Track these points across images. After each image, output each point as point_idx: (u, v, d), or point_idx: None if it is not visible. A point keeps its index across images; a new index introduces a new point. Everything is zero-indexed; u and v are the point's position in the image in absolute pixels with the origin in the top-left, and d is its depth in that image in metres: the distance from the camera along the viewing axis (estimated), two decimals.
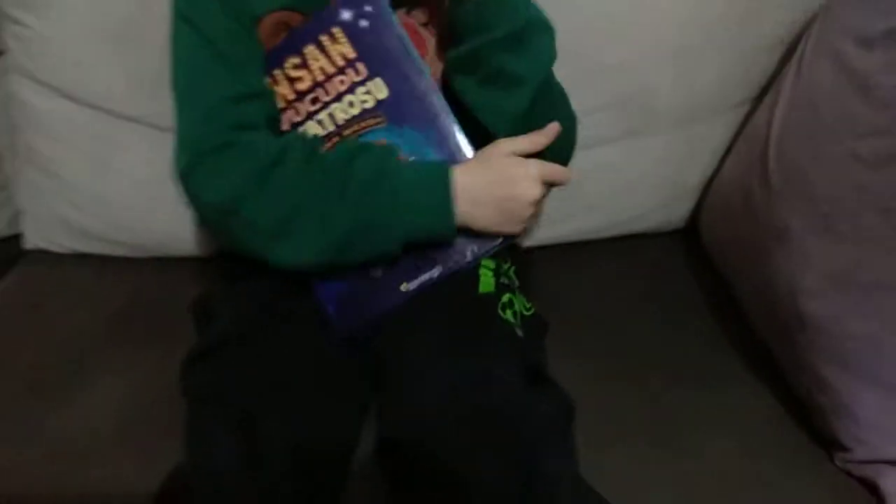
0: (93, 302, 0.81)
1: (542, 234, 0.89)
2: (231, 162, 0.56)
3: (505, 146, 0.58)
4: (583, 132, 0.78)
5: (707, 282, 0.79)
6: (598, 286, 0.81)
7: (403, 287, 0.61)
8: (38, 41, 0.85)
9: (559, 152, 0.63)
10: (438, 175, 0.56)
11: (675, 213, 0.90)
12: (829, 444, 0.56)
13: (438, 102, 0.60)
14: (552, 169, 0.59)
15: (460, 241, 0.60)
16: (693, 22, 0.82)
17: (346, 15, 0.61)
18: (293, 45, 0.63)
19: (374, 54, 0.61)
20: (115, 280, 0.85)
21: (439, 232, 0.57)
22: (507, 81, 0.59)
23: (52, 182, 0.90)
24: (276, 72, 0.63)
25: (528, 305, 0.64)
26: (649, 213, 0.89)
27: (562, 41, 0.75)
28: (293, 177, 0.56)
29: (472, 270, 0.62)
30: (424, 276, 0.60)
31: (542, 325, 0.67)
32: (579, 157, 0.79)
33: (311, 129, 0.62)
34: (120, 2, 0.80)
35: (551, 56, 0.62)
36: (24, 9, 0.84)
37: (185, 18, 0.61)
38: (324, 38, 0.62)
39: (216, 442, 0.51)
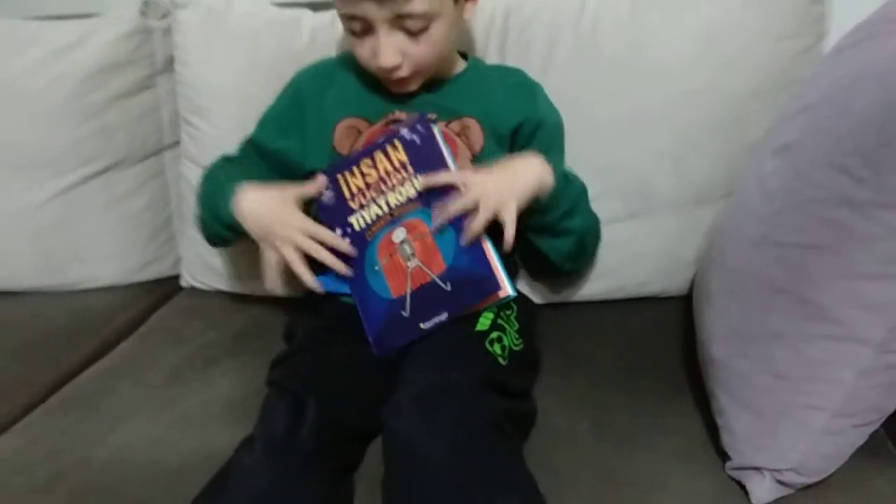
0: (222, 325, 1.03)
1: (555, 296, 1.02)
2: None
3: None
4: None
5: (690, 338, 0.89)
6: (597, 337, 0.93)
7: (422, 325, 0.80)
8: (203, 137, 1.11)
9: (586, 247, 0.89)
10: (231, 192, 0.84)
11: (674, 281, 0.99)
12: (722, 454, 0.69)
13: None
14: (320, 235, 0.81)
15: (462, 295, 0.78)
16: (687, 126, 0.94)
17: (405, 133, 0.81)
18: (368, 151, 0.83)
19: (420, 160, 0.81)
20: (240, 311, 1.07)
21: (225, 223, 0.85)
22: (563, 233, 0.84)
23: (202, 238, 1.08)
24: (354, 168, 0.84)
25: (517, 342, 0.80)
26: (651, 282, 1.00)
27: (576, 140, 0.95)
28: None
29: (476, 314, 0.80)
30: (436, 319, 0.79)
31: (531, 360, 0.83)
32: None
33: (374, 210, 0.83)
34: (254, 113, 0.99)
35: (591, 214, 0.89)
36: (195, 114, 1.11)
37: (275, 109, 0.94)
38: (389, 147, 0.82)
39: (275, 415, 0.71)
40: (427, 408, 0.66)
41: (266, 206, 0.83)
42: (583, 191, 0.89)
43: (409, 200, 0.81)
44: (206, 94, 1.10)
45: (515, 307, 0.85)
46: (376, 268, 0.82)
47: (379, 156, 0.82)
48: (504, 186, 0.77)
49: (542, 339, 0.91)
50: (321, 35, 1.06)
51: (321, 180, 0.85)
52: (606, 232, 0.97)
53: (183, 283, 1.20)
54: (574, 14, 0.99)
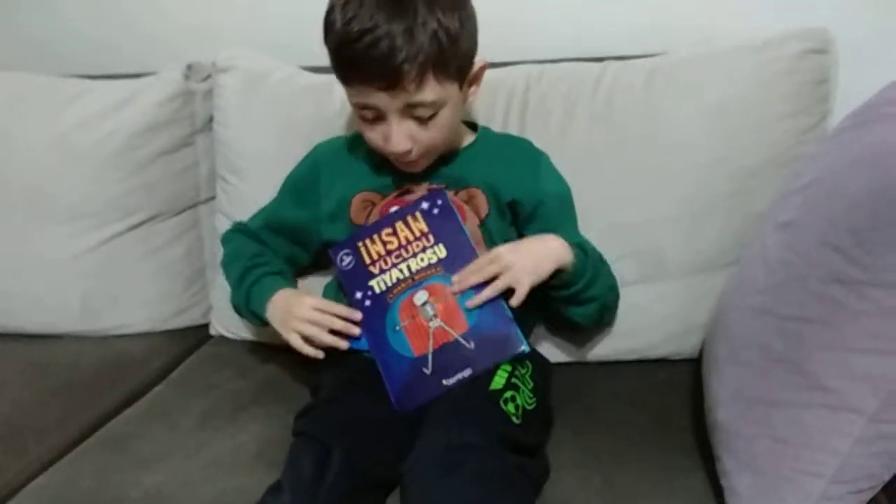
0: (250, 374, 1.07)
1: (569, 355, 1.04)
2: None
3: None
4: None
5: (700, 400, 0.90)
6: (610, 396, 0.96)
7: (445, 381, 0.83)
8: (237, 193, 1.18)
9: (608, 307, 0.95)
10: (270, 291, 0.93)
11: (685, 344, 1.00)
12: None
13: (476, 255, 0.86)
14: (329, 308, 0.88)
15: (485, 352, 0.83)
16: (697, 196, 0.99)
17: (425, 205, 0.89)
18: (389, 220, 0.90)
19: (439, 230, 0.88)
20: (267, 360, 1.10)
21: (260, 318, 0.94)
22: (586, 301, 0.90)
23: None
24: (374, 235, 0.90)
25: (530, 400, 0.83)
26: (663, 344, 1.01)
27: (590, 203, 1.00)
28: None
29: (492, 371, 0.83)
30: (459, 375, 0.83)
31: (544, 417, 0.87)
32: None
33: (395, 274, 0.88)
34: (284, 174, 1.06)
35: (610, 275, 0.95)
36: (231, 171, 1.18)
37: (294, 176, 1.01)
38: (409, 218, 0.89)
39: (301, 462, 0.75)
40: (444, 466, 0.70)
41: (282, 303, 0.92)
42: (599, 257, 0.94)
43: (430, 266, 0.88)
44: (241, 154, 1.18)
45: (531, 366, 0.89)
46: (397, 328, 0.87)
47: (400, 225, 0.89)
48: (524, 263, 0.83)
49: (555, 396, 0.94)
50: None
51: (357, 315, 0.89)
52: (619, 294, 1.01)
53: (212, 331, 1.24)
54: (591, 87, 1.06)
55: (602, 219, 1.02)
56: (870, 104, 0.75)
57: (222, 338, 1.23)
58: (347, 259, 0.91)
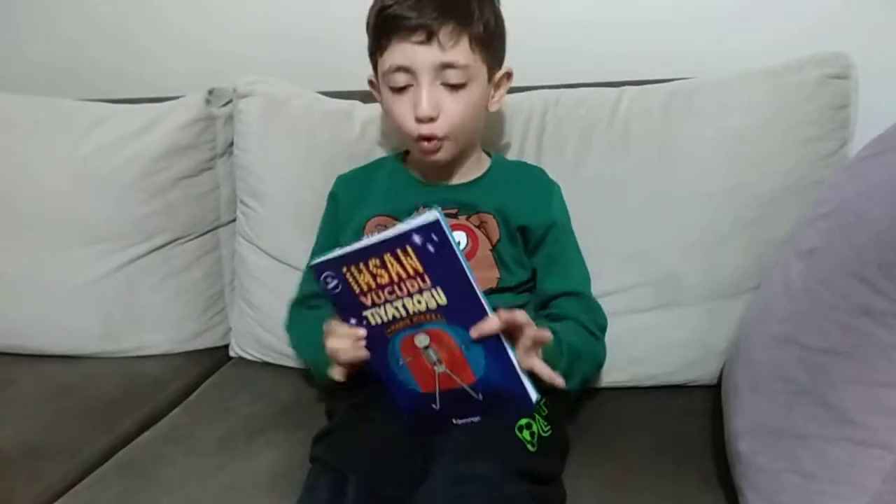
0: (268, 397, 1.07)
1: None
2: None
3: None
4: (624, 302, 1.00)
5: (719, 428, 0.89)
6: (627, 424, 0.95)
7: (454, 420, 0.82)
8: (257, 217, 1.19)
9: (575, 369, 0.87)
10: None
11: (704, 371, 0.99)
12: None
13: (483, 306, 0.74)
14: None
15: (495, 405, 0.79)
16: (715, 222, 0.98)
17: (417, 239, 0.72)
18: (374, 249, 0.74)
19: (437, 271, 0.73)
20: (285, 383, 1.11)
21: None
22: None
23: (252, 311, 1.19)
24: (361, 263, 0.75)
25: (546, 428, 0.82)
26: (681, 370, 1.00)
27: (607, 230, 1.01)
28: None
29: None
30: (469, 419, 0.81)
31: (561, 445, 0.86)
32: (623, 321, 1.00)
33: (390, 311, 0.77)
34: (306, 198, 1.10)
35: (585, 372, 0.90)
36: (251, 196, 1.19)
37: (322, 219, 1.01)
38: (399, 252, 0.73)
39: (318, 489, 0.76)
40: (458, 496, 0.70)
41: None
42: (581, 354, 0.87)
43: (430, 311, 0.76)
44: (261, 179, 1.19)
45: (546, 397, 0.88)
46: (401, 363, 0.81)
47: (389, 258, 0.74)
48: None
49: (571, 424, 0.93)
50: (371, 127, 1.14)
51: (361, 332, 0.81)
52: (636, 321, 1.01)
53: (231, 353, 1.25)
54: (608, 112, 1.06)
55: (619, 246, 1.01)
56: (891, 132, 0.75)
57: (241, 359, 1.24)
58: (333, 282, 0.78)
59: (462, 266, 0.73)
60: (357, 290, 0.77)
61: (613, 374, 1.03)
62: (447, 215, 0.93)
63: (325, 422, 0.93)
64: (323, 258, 0.78)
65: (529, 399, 0.78)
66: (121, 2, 1.50)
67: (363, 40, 0.93)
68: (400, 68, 0.86)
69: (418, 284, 0.75)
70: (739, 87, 1.01)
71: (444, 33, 0.83)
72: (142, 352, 1.24)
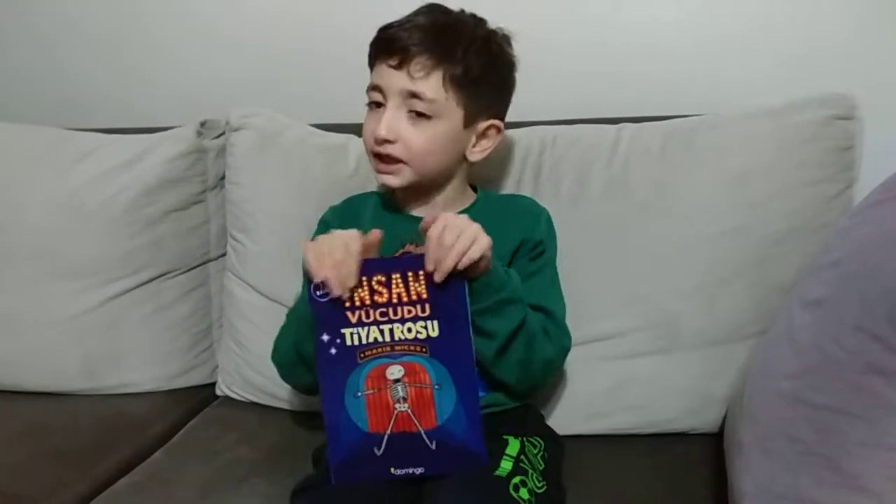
0: (253, 439, 1.04)
1: (583, 427, 0.99)
2: None
3: None
4: (622, 347, 0.98)
5: (720, 476, 0.87)
6: (625, 471, 0.92)
7: (394, 470, 0.77)
8: (247, 252, 1.16)
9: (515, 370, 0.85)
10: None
11: (704, 419, 0.96)
12: None
13: (471, 350, 0.76)
14: None
15: (445, 459, 0.76)
16: (715, 265, 0.95)
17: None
18: (382, 267, 0.76)
19: (440, 305, 0.75)
20: (272, 424, 1.08)
21: None
22: (485, 334, 0.81)
23: (239, 349, 1.16)
24: (363, 277, 0.75)
25: (540, 484, 0.79)
26: (680, 418, 0.97)
27: (605, 272, 0.99)
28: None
29: (496, 459, 0.78)
30: (410, 470, 0.77)
31: (556, 499, 0.82)
32: (621, 367, 0.97)
33: (373, 333, 0.75)
34: (298, 234, 1.03)
35: (520, 320, 0.83)
36: (241, 231, 1.16)
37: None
38: (410, 274, 0.75)
39: None
40: None
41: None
42: (526, 323, 0.84)
43: (416, 340, 0.76)
44: (252, 214, 1.16)
45: (542, 444, 0.86)
46: (359, 394, 0.77)
47: (396, 278, 0.75)
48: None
49: (568, 471, 0.90)
50: (366, 162, 1.10)
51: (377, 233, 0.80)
52: (634, 366, 0.98)
53: (218, 391, 1.21)
54: (606, 151, 1.03)
55: (617, 289, 0.98)
56: None
57: (227, 399, 1.20)
58: (324, 288, 0.75)
59: (466, 305, 0.75)
60: (348, 304, 0.76)
61: (611, 419, 1.00)
62: None
63: (311, 468, 0.90)
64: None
65: (483, 458, 0.77)
66: (114, 28, 1.49)
67: (359, 72, 0.92)
68: (376, 87, 0.89)
69: (415, 311, 0.75)
70: (740, 127, 1.00)
71: (417, 63, 0.85)
72: (124, 389, 1.20)
